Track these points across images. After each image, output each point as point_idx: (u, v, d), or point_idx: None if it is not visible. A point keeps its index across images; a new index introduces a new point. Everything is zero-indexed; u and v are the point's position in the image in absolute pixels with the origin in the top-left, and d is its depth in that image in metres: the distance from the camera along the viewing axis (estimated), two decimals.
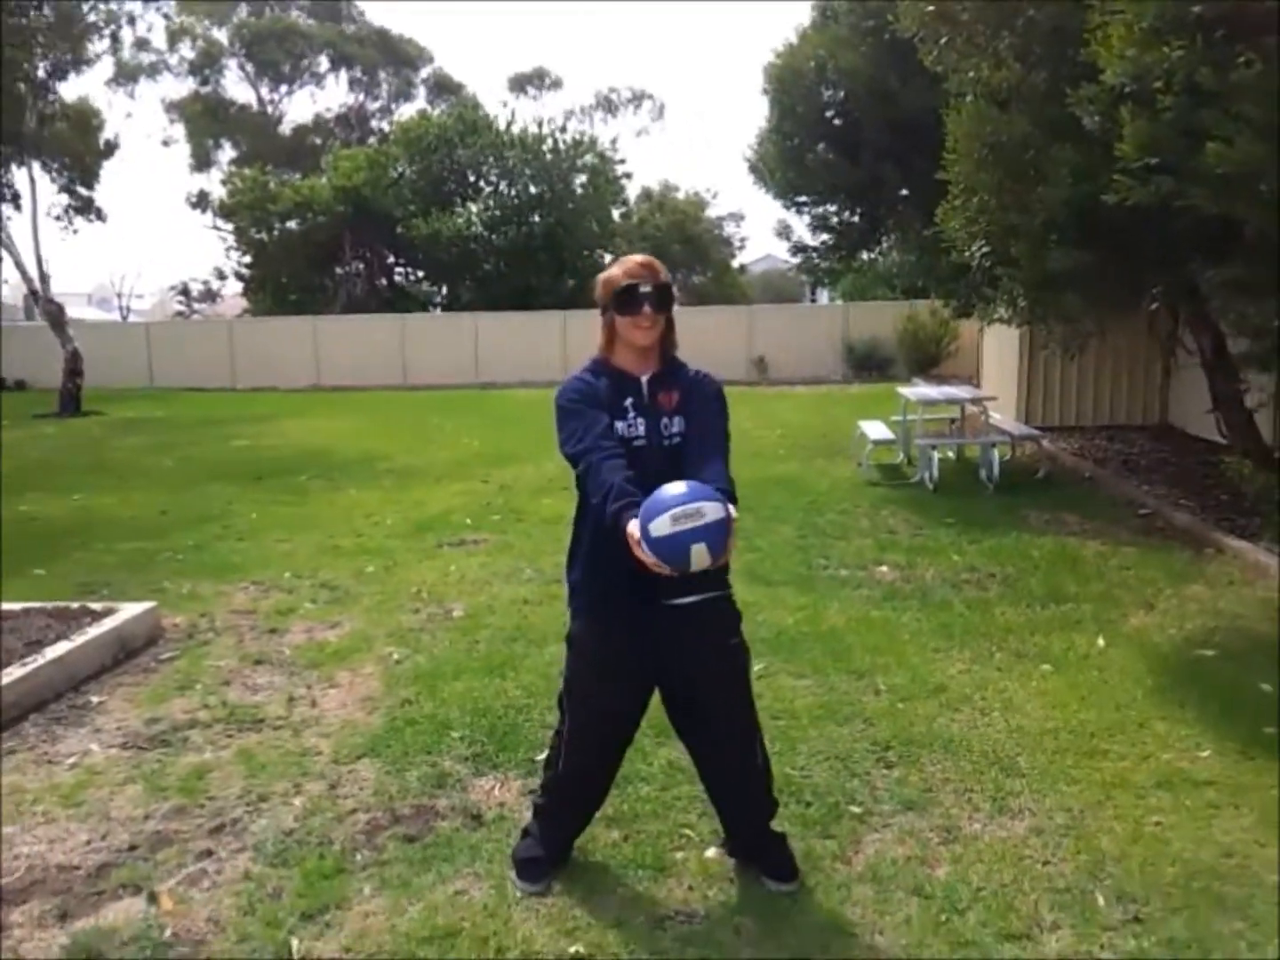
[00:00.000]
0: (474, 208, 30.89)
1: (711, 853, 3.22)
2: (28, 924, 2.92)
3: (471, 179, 32.18)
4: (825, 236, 14.21)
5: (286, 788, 3.71)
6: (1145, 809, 3.43)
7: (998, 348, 13.95)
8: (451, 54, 79.02)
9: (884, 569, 6.51)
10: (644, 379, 2.93)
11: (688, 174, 72.97)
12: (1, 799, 3.65)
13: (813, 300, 38.16)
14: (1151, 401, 12.44)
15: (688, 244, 36.52)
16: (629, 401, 2.88)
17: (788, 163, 12.93)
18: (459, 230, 29.61)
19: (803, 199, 13.54)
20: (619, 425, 2.85)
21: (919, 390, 11.89)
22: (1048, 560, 6.61)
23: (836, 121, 12.57)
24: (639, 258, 2.94)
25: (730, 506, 2.57)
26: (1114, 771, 3.69)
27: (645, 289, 2.85)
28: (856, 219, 13.58)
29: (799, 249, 15.52)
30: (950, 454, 10.54)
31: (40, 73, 23.21)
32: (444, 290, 32.52)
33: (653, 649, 2.91)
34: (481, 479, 10.54)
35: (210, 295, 45.97)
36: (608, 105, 46.74)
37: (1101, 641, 5.05)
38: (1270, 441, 8.20)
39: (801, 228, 15.33)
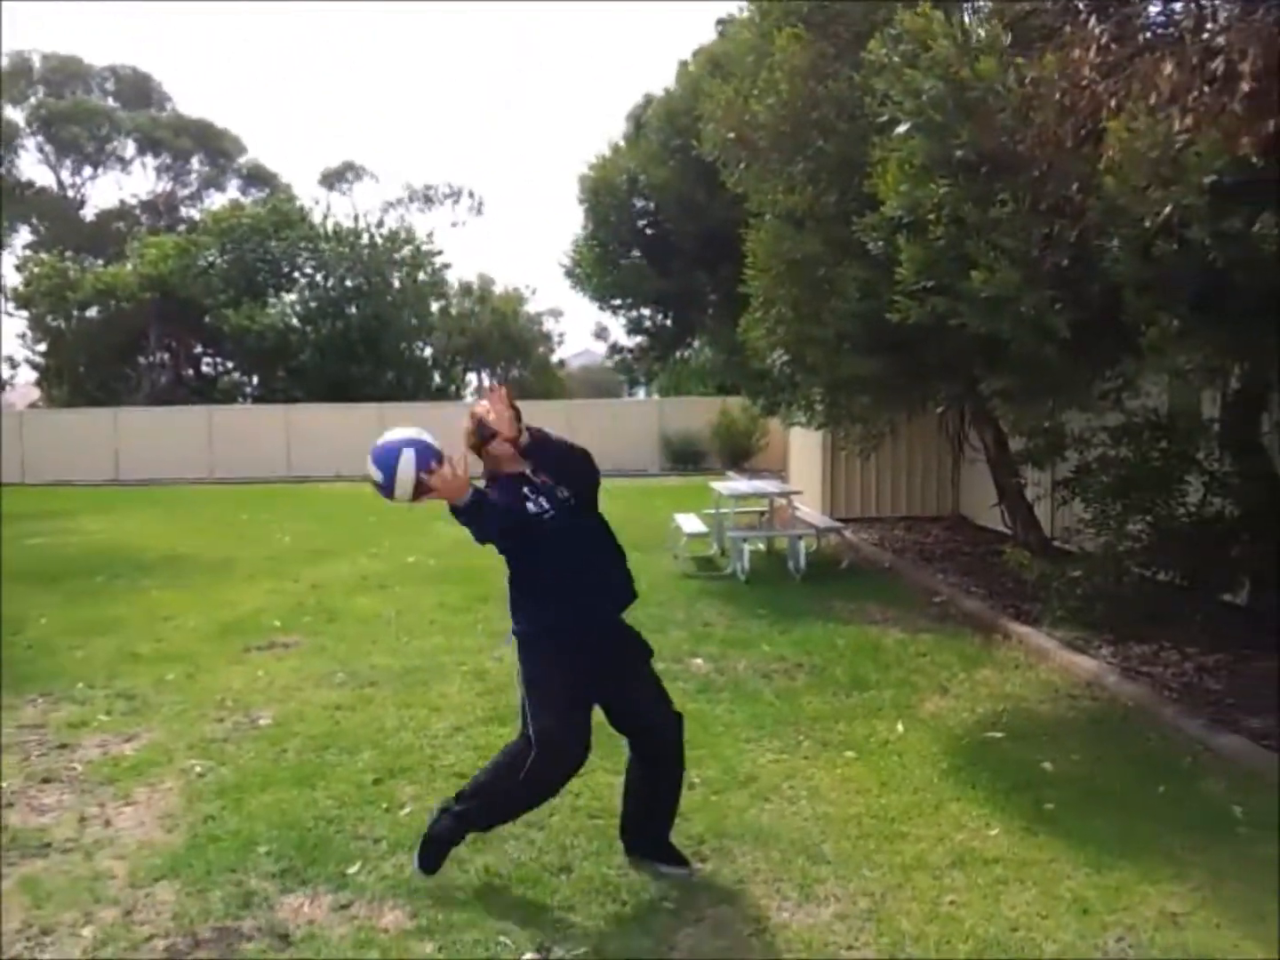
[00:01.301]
0: (289, 298, 30.44)
1: (528, 958, 3.22)
2: None
3: (286, 270, 31.77)
4: (640, 338, 14.72)
5: (76, 917, 3.50)
6: (941, 889, 3.63)
7: (803, 444, 14.65)
8: (265, 144, 78.09)
9: (699, 661, 6.69)
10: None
11: (506, 269, 73.94)
12: None
13: (631, 394, 39.05)
14: (944, 494, 13.29)
15: (507, 339, 36.89)
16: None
17: (603, 268, 13.41)
18: (273, 321, 29.06)
19: (618, 302, 14.02)
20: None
21: (730, 485, 12.35)
22: (852, 649, 6.94)
23: (649, 231, 13.15)
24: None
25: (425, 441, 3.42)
26: (913, 853, 3.90)
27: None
28: (669, 322, 14.14)
29: (615, 350, 15.99)
30: (761, 546, 10.95)
31: None
32: (255, 381, 31.71)
33: (598, 670, 3.65)
34: (293, 577, 10.26)
35: None
36: (425, 199, 47.13)
37: (900, 727, 5.33)
38: (1048, 532, 8.90)
39: (618, 329, 15.86)
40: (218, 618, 8.36)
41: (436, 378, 34.29)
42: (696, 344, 15.14)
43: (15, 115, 41.27)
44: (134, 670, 6.73)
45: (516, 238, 74.03)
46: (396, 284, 31.86)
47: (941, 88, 4.94)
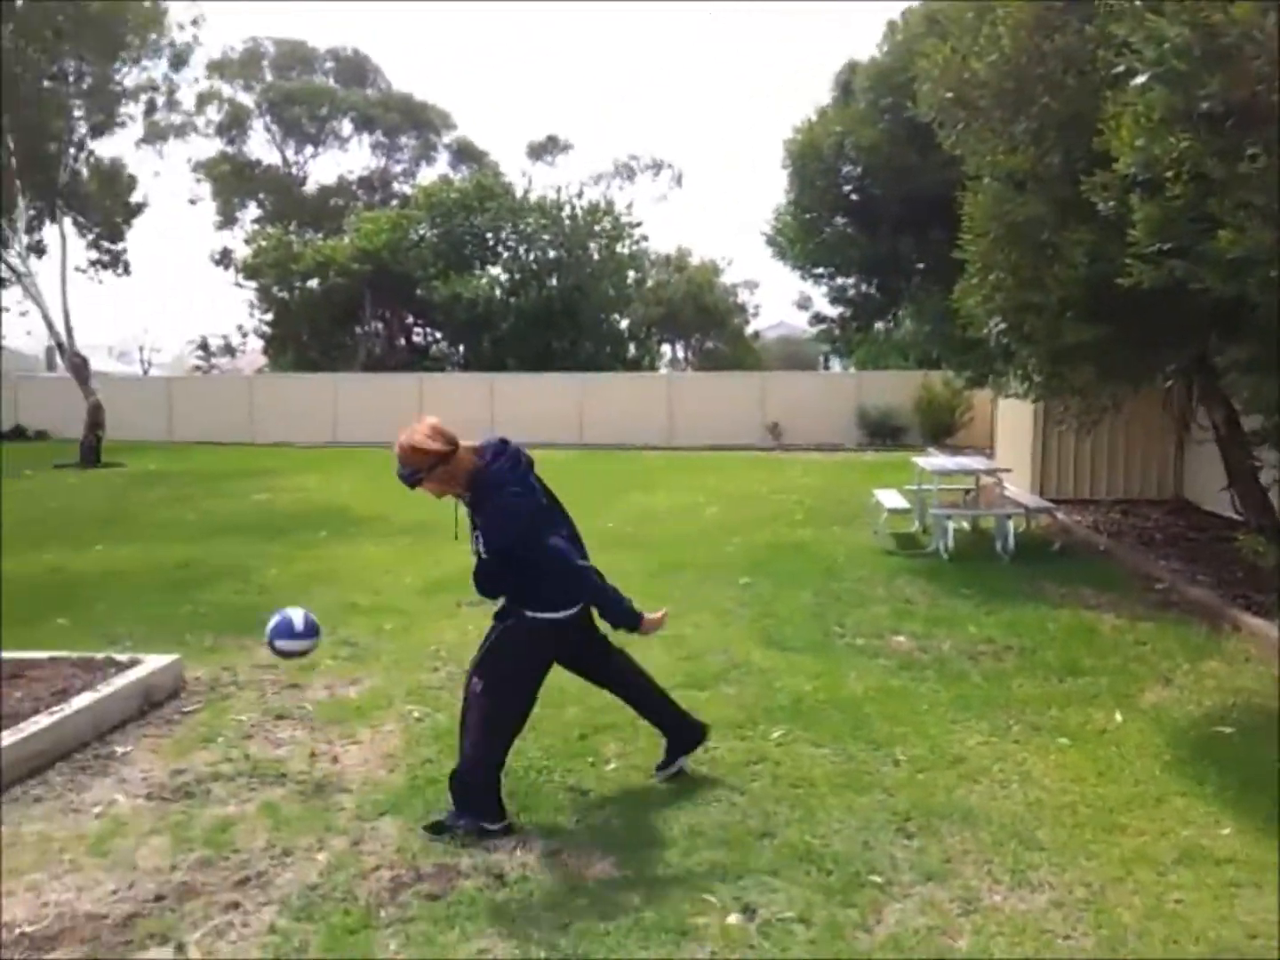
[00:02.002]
0: (493, 271, 31.40)
1: (734, 919, 3.24)
2: None
3: (490, 243, 32.74)
4: (842, 308, 14.44)
5: (310, 843, 3.75)
6: (1166, 885, 3.44)
7: (1012, 420, 14.06)
8: (474, 120, 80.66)
9: (901, 638, 6.55)
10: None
11: (703, 240, 74.02)
12: (28, 847, 3.69)
13: (826, 368, 38.48)
14: (1166, 476, 12.50)
15: (702, 310, 36.96)
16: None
17: (806, 236, 13.20)
18: (478, 292, 30.06)
19: (820, 271, 13.78)
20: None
21: (934, 460, 11.99)
22: (1064, 633, 6.64)
23: (854, 196, 12.85)
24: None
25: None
26: (1133, 846, 3.70)
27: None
28: (873, 291, 13.81)
29: (818, 319, 15.76)
30: (965, 525, 10.60)
31: (75, 134, 23.85)
32: (462, 350, 32.91)
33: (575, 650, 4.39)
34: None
35: (229, 350, 46.56)
36: (627, 172, 47.64)
37: (1119, 716, 5.07)
38: None
39: (820, 299, 15.62)
40: (428, 574, 8.75)
41: (632, 349, 34.73)
42: (899, 314, 14.70)
43: (246, 98, 44.12)
44: (354, 619, 7.14)
45: (715, 209, 73.94)
46: (596, 256, 32.37)
47: (1188, 34, 4.60)
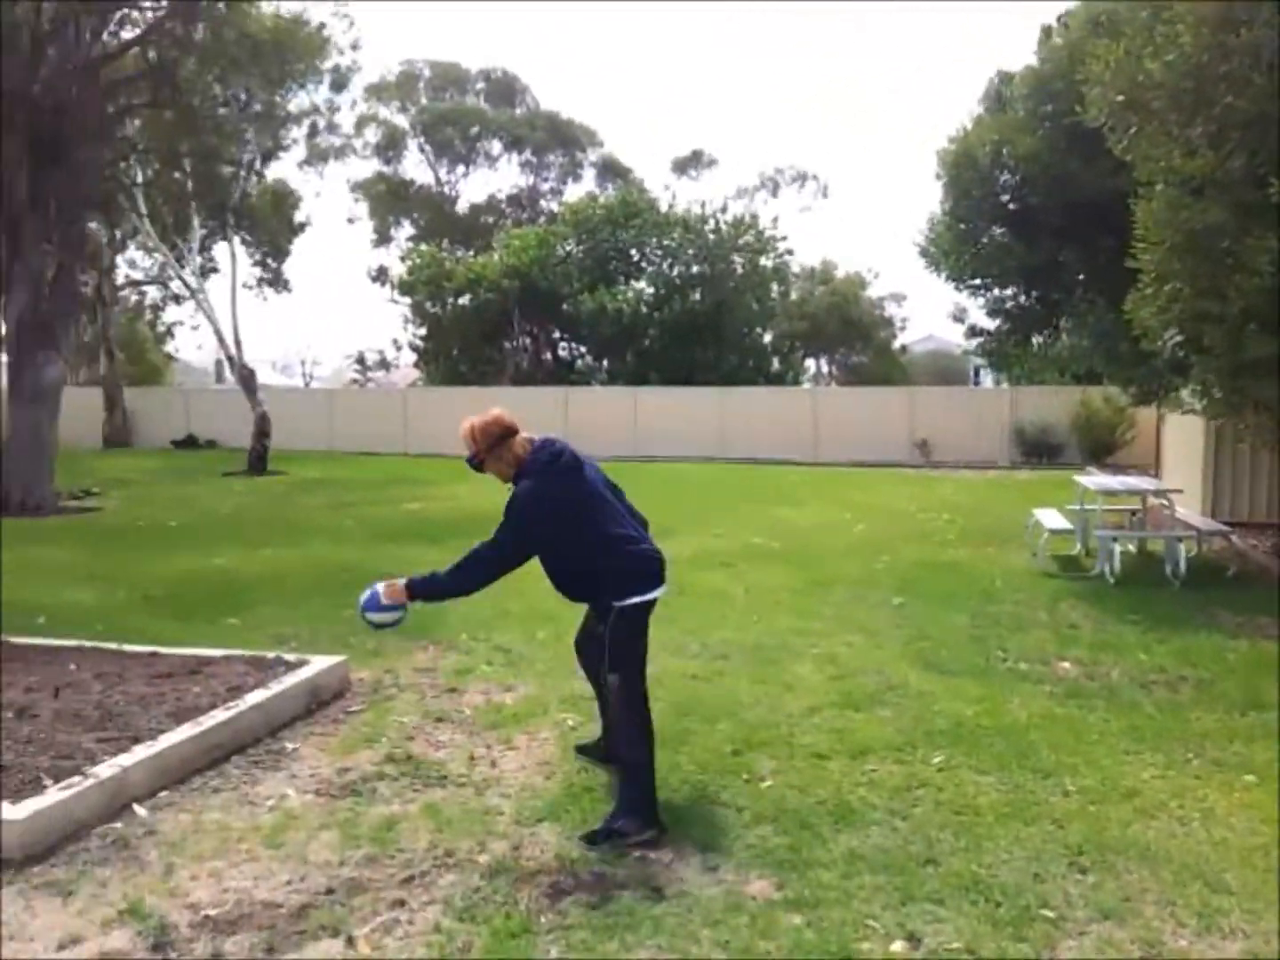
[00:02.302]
0: (637, 285, 31.70)
1: (898, 946, 3.15)
2: (239, 954, 3.08)
3: (635, 258, 33.08)
4: (1000, 320, 14.02)
5: (472, 845, 3.81)
6: None
7: (1181, 437, 13.38)
8: (618, 136, 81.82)
9: (1066, 664, 6.28)
10: None
11: (849, 253, 73.12)
12: (209, 834, 3.86)
13: (977, 383, 37.45)
14: None
15: (847, 324, 36.49)
16: None
17: (962, 246, 12.87)
18: (623, 307, 30.39)
19: (976, 282, 13.42)
20: None
21: (1098, 479, 11.49)
22: (1244, 664, 6.25)
23: (1012, 205, 12.47)
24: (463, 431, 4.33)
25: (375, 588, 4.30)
26: None
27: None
28: (1032, 303, 13.36)
29: (974, 332, 15.34)
30: (1131, 547, 10.12)
31: (245, 157, 25.19)
32: (606, 364, 33.31)
33: None
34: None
35: (384, 364, 48.31)
36: (771, 185, 47.51)
37: None
38: None
39: (976, 311, 15.21)
40: None
41: (775, 363, 34.54)
42: (1059, 326, 14.15)
43: (402, 120, 45.80)
44: (508, 625, 7.27)
45: (862, 221, 73.03)
46: (739, 270, 32.34)
47: None
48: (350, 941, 3.17)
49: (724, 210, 33.39)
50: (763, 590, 8.62)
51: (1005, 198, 12.51)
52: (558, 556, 4.29)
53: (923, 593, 8.39)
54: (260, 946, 3.12)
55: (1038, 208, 11.93)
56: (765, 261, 33.18)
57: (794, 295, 36.55)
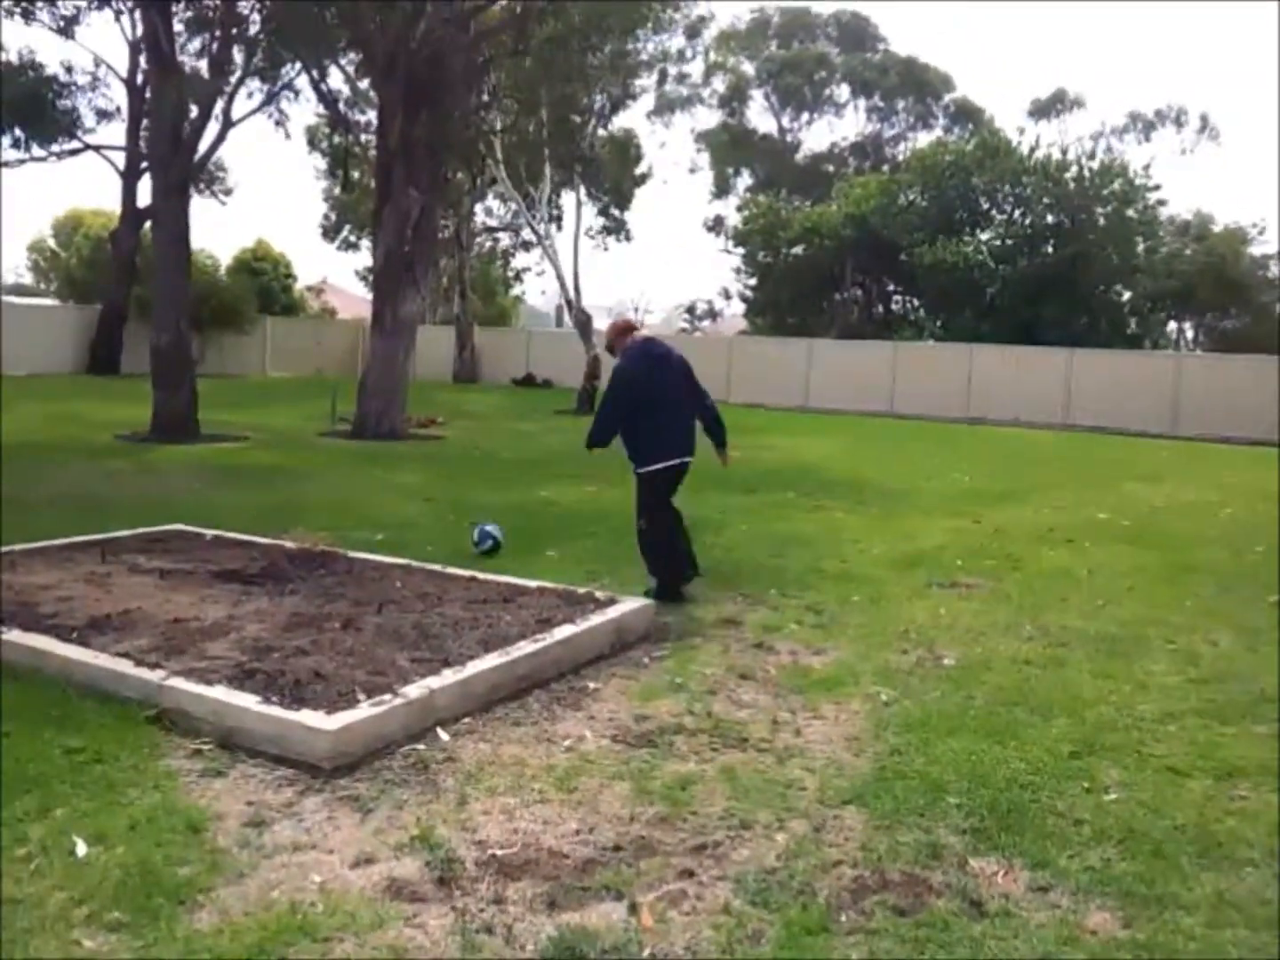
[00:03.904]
0: (983, 236, 29.84)
1: None
2: (521, 903, 2.94)
3: (984, 207, 31.15)
4: None
5: (769, 819, 3.50)
6: None
7: None
8: (973, 79, 77.36)
9: None
10: None
11: (1231, 204, 65.16)
12: (505, 769, 3.80)
13: None
14: None
15: (1224, 284, 32.55)
16: None
17: None
18: (964, 259, 28.72)
19: None
20: None
21: None
22: None
23: None
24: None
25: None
26: None
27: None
28: None
29: None
30: None
31: (596, 105, 25.86)
32: (940, 320, 31.75)
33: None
34: (973, 518, 9.91)
35: (712, 314, 48.76)
36: (1142, 126, 43.16)
37: None
38: None
39: None
40: (899, 548, 8.31)
41: (1133, 324, 31.49)
42: None
43: (748, 68, 45.43)
44: (821, 586, 6.89)
45: (1249, 167, 64.95)
46: (1101, 221, 29.60)
47: None
48: (634, 909, 2.94)
49: (1092, 156, 30.63)
50: (1110, 572, 7.69)
51: None
52: (626, 421, 6.24)
53: None
54: (542, 899, 2.96)
55: None
56: (1131, 212, 30.17)
57: (1162, 250, 33.02)
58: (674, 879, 3.12)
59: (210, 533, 7.16)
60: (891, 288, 33.88)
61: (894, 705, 4.67)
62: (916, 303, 33.48)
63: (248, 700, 3.91)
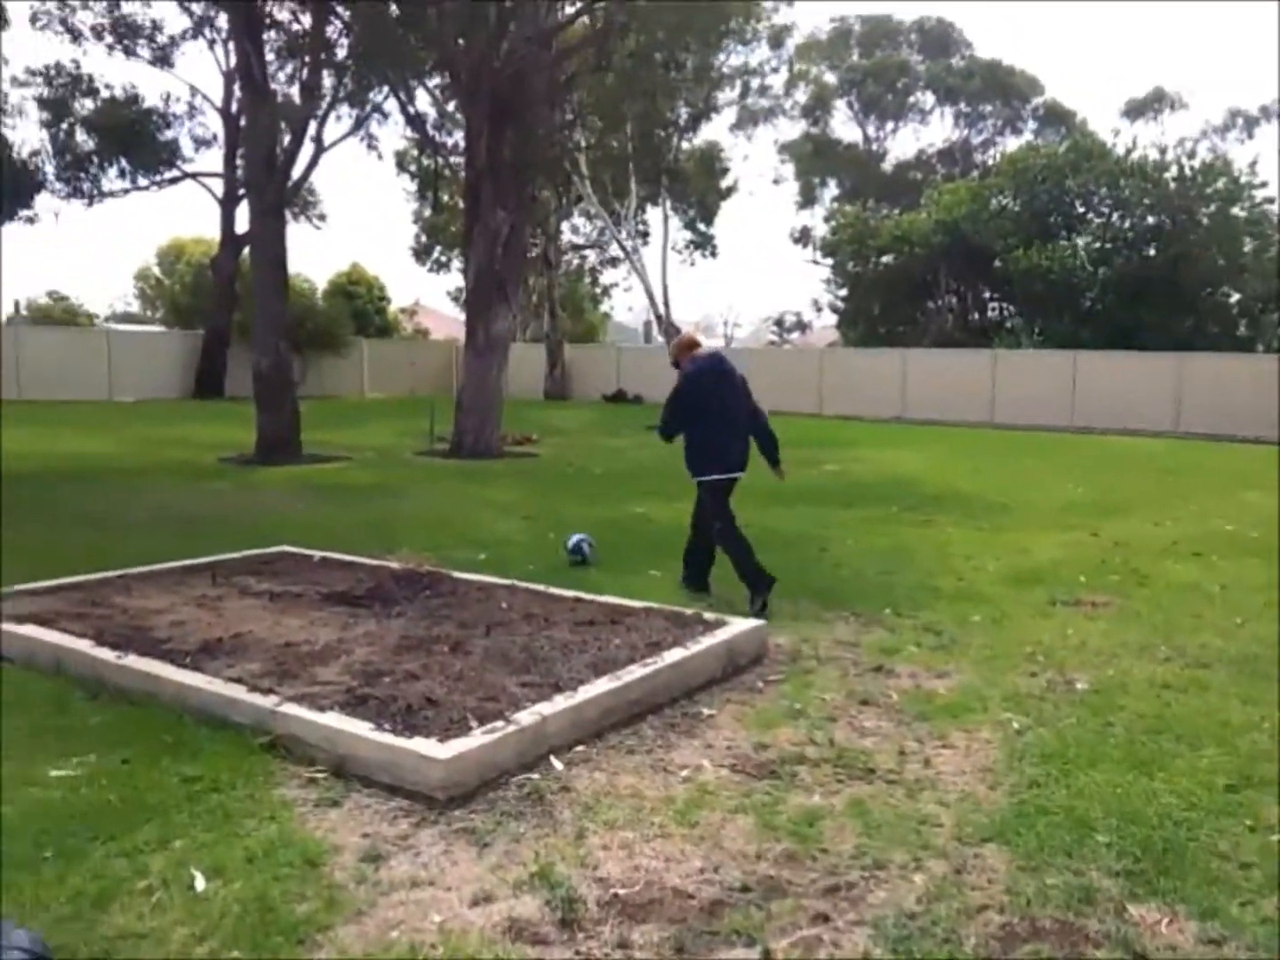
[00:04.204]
0: (1080, 240, 29.00)
1: None
2: (648, 948, 2.79)
3: (1080, 210, 30.29)
4: None
5: (905, 859, 3.29)
6: None
7: None
8: (1062, 82, 75.52)
9: None
10: None
11: None
12: (623, 800, 3.65)
13: None
14: None
15: None
16: None
17: None
18: (1062, 264, 27.93)
19: None
20: None
21: None
22: None
23: None
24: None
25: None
26: None
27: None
28: None
29: None
30: None
31: (681, 118, 25.85)
32: (1037, 326, 30.91)
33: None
34: (1089, 531, 9.51)
35: (800, 326, 48.37)
36: (1245, 124, 41.63)
37: None
38: None
39: None
40: (1014, 563, 7.98)
41: (1243, 326, 30.25)
42: None
43: (830, 78, 45.00)
44: (936, 605, 6.62)
45: None
46: (1204, 221, 28.51)
47: None
48: (767, 956, 2.77)
49: (1191, 155, 29.59)
50: (1244, 587, 7.27)
51: None
52: (686, 429, 6.59)
53: None
54: (669, 943, 2.80)
55: None
56: (1237, 210, 29.01)
57: (1272, 250, 31.69)
58: (807, 923, 2.94)
59: (317, 554, 7.18)
60: (986, 294, 33.09)
61: (1027, 733, 4.41)
62: (1012, 309, 32.64)
63: (360, 727, 3.84)
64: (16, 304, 47.22)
